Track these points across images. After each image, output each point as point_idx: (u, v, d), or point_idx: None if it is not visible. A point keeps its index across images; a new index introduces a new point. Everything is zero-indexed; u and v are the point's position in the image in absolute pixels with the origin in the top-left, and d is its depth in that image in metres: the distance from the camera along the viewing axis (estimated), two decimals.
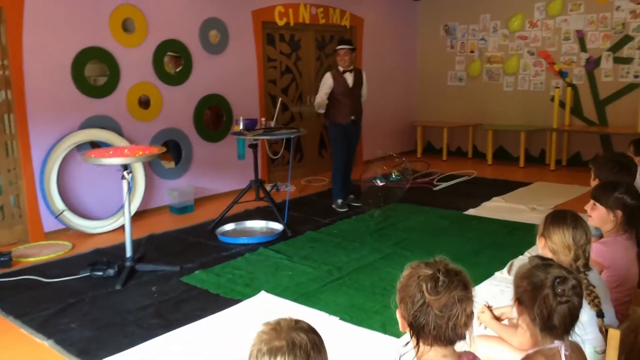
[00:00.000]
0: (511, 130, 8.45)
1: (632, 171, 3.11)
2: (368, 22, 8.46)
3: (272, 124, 5.69)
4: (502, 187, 6.81)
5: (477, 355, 1.57)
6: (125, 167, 4.13)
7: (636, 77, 7.54)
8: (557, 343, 1.59)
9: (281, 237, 5.05)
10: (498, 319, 2.30)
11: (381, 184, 6.00)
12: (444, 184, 7.09)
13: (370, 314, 3.48)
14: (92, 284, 4.07)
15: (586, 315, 1.80)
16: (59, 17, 5.11)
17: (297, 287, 3.93)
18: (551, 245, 2.14)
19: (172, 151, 6.32)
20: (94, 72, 5.86)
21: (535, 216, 5.49)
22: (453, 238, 4.97)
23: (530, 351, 1.63)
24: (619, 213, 2.55)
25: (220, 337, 3.26)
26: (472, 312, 1.48)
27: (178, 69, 6.19)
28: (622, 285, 2.39)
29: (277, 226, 5.27)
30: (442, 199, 6.35)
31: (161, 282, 4.07)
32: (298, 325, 1.34)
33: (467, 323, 1.47)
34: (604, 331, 1.96)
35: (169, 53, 6.07)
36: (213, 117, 6.84)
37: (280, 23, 7.16)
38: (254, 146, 5.50)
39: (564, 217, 2.17)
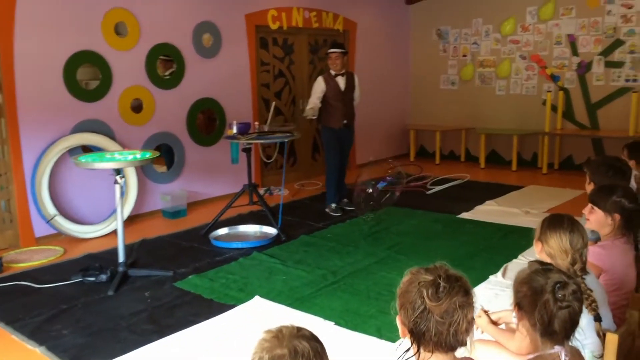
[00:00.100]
0: (503, 134, 8.48)
1: (627, 175, 3.12)
2: (361, 26, 8.47)
3: (266, 127, 5.67)
4: (495, 191, 6.82)
5: None
6: (118, 171, 4.10)
7: (627, 81, 7.60)
8: (557, 348, 1.58)
9: (275, 241, 5.03)
10: (495, 323, 2.30)
11: (373, 189, 6.00)
12: (437, 188, 7.10)
13: (365, 319, 3.47)
14: (84, 289, 4.02)
15: (584, 319, 1.79)
16: (51, 20, 5.07)
17: (292, 292, 3.91)
18: (548, 250, 2.14)
19: (164, 155, 6.29)
20: (85, 75, 5.83)
21: (528, 219, 5.51)
22: (447, 242, 4.97)
23: (531, 356, 1.62)
24: (617, 216, 2.56)
25: (214, 342, 3.23)
26: (472, 318, 1.47)
27: (168, 72, 6.16)
28: (619, 289, 2.39)
29: (271, 230, 5.25)
30: (435, 203, 6.35)
31: (154, 288, 4.04)
32: (300, 333, 1.33)
33: (468, 329, 1.46)
34: (601, 335, 1.96)
35: (160, 57, 6.04)
36: (206, 121, 6.81)
37: (274, 27, 7.15)
38: (247, 150, 5.48)
39: (561, 221, 2.16)
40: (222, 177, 6.65)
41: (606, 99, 7.79)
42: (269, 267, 4.40)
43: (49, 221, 5.07)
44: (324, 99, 5.92)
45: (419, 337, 1.48)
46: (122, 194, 4.22)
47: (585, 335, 1.86)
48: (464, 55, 8.99)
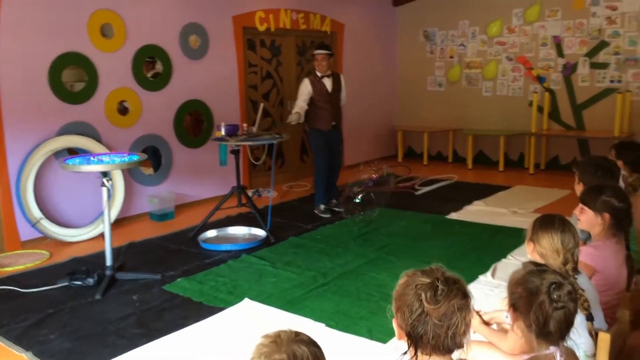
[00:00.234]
0: (491, 135, 8.53)
1: (615, 174, 3.14)
2: (348, 28, 8.47)
3: (254, 129, 5.64)
4: (482, 191, 6.86)
5: None
6: (105, 174, 4.06)
7: (612, 82, 7.67)
8: (552, 349, 1.58)
9: (264, 243, 5.01)
10: (487, 323, 2.30)
11: (362, 189, 6.00)
12: (426, 189, 7.12)
13: (356, 320, 3.46)
14: (71, 293, 3.97)
15: (577, 319, 1.79)
16: (36, 22, 5.01)
17: (282, 294, 3.89)
18: (540, 250, 2.15)
19: (151, 157, 6.24)
20: (71, 77, 5.77)
21: (516, 219, 5.55)
22: (436, 242, 4.98)
23: (525, 357, 1.62)
24: (607, 216, 2.57)
25: (204, 345, 3.20)
26: (470, 321, 1.46)
27: (150, 73, 6.11)
28: (611, 289, 2.40)
29: (260, 232, 5.22)
30: (424, 204, 6.37)
31: (142, 291, 4.00)
32: (299, 338, 1.31)
33: (466, 332, 1.45)
34: (593, 335, 1.97)
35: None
36: (193, 122, 6.77)
37: (261, 28, 7.13)
38: (235, 152, 5.45)
39: (552, 222, 2.17)
40: (210, 179, 6.61)
41: (591, 100, 7.86)
42: (258, 270, 4.38)
43: (34, 225, 5.00)
44: (311, 101, 5.89)
45: (416, 340, 1.47)
46: (109, 196, 4.18)
47: (578, 335, 1.86)
48: (451, 57, 9.03)
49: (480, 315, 2.32)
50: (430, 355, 1.46)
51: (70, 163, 4.07)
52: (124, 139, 5.77)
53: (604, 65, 7.71)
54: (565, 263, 2.09)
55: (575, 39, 7.87)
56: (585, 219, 2.62)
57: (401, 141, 9.39)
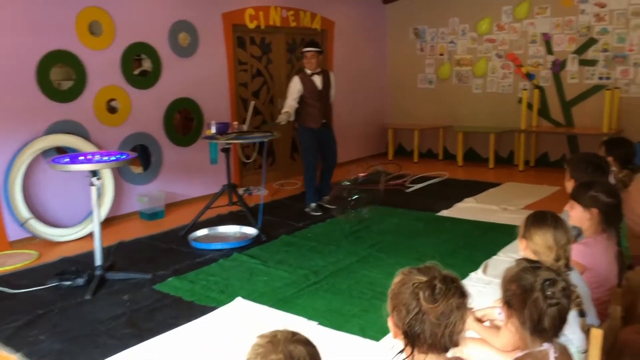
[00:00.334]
0: (481, 132, 8.56)
1: (606, 171, 3.16)
2: (339, 25, 8.46)
3: (245, 127, 5.62)
4: (473, 188, 6.88)
5: None
6: (94, 173, 4.02)
7: (600, 79, 7.72)
8: (546, 346, 1.58)
9: (255, 241, 4.99)
10: (479, 320, 2.30)
11: (353, 187, 5.99)
12: (417, 186, 7.13)
13: (348, 318, 3.46)
14: (60, 294, 3.94)
15: (569, 315, 1.79)
16: (23, 19, 4.95)
17: (274, 293, 3.88)
18: (533, 247, 2.15)
19: (140, 156, 6.19)
20: (58, 75, 5.71)
21: (507, 216, 5.57)
22: (427, 239, 4.99)
23: (520, 354, 1.62)
24: (595, 211, 2.58)
25: (196, 345, 3.18)
26: (466, 319, 1.46)
27: (137, 71, 6.05)
28: (602, 285, 2.41)
29: (251, 231, 5.20)
30: (415, 201, 6.38)
31: (133, 291, 3.97)
32: (295, 338, 1.30)
33: (463, 330, 1.45)
34: (585, 331, 1.97)
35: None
36: (183, 121, 6.73)
37: (251, 26, 7.10)
38: (226, 150, 5.43)
39: (545, 218, 2.18)
40: (201, 177, 6.58)
41: (580, 97, 7.91)
42: (250, 268, 4.36)
43: (22, 224, 4.95)
44: (301, 99, 5.87)
45: (413, 339, 1.46)
46: (99, 195, 4.14)
47: (571, 330, 1.87)
48: (441, 54, 9.05)
49: (472, 312, 2.32)
50: (426, 354, 1.46)
51: (59, 162, 4.03)
52: (113, 137, 5.72)
53: (592, 62, 7.76)
54: (558, 259, 2.09)
55: (564, 36, 7.91)
56: (575, 214, 2.64)
57: (392, 139, 9.40)
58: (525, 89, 8.20)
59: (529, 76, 8.26)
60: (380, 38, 9.43)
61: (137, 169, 6.20)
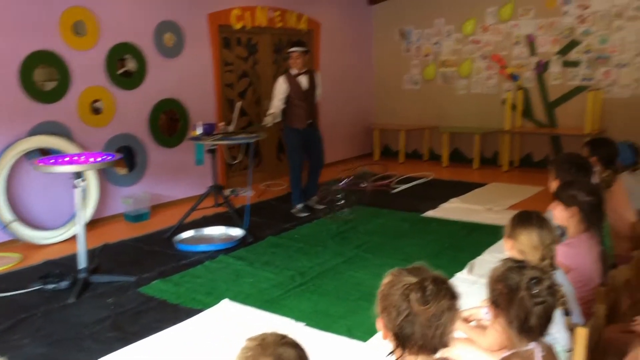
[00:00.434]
0: (466, 133, 8.61)
1: (589, 171, 3.20)
2: (325, 26, 8.46)
3: (231, 128, 5.59)
4: (458, 189, 6.92)
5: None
6: (78, 174, 3.98)
7: (583, 80, 7.81)
8: (532, 345, 1.59)
9: (242, 243, 4.97)
10: (466, 320, 2.31)
11: (339, 188, 6.01)
12: (402, 187, 7.15)
13: (335, 319, 3.46)
14: (44, 297, 3.89)
15: (555, 314, 1.81)
16: (6, 19, 4.89)
17: (260, 294, 3.87)
18: (519, 246, 2.17)
19: (125, 157, 6.13)
20: (42, 76, 5.64)
21: (492, 216, 5.60)
22: (413, 240, 5.01)
23: (506, 353, 1.63)
24: (575, 209, 2.61)
25: (182, 348, 3.16)
26: (456, 320, 1.46)
27: (121, 71, 5.99)
28: (586, 285, 2.43)
29: (237, 232, 5.18)
30: (401, 202, 6.39)
31: (117, 294, 3.93)
32: (284, 341, 1.30)
33: (453, 331, 1.44)
34: (571, 329, 1.99)
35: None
36: (169, 121, 6.69)
37: (237, 26, 7.08)
38: (212, 151, 5.40)
39: (530, 218, 2.20)
40: (186, 179, 6.54)
41: (563, 98, 7.99)
42: (236, 270, 4.34)
43: (5, 227, 4.89)
44: (287, 100, 5.85)
45: (404, 341, 1.45)
46: (83, 197, 4.10)
47: (556, 329, 1.88)
48: (427, 55, 9.09)
49: (459, 313, 2.32)
50: (417, 356, 1.45)
51: (43, 163, 3.98)
52: (98, 138, 5.67)
53: (575, 64, 7.84)
54: (543, 259, 2.11)
55: (548, 38, 7.98)
56: (557, 213, 2.67)
57: (377, 139, 9.42)
58: (509, 90, 8.26)
59: (513, 77, 8.33)
60: (366, 39, 9.45)
61: (122, 171, 6.15)
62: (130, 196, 5.87)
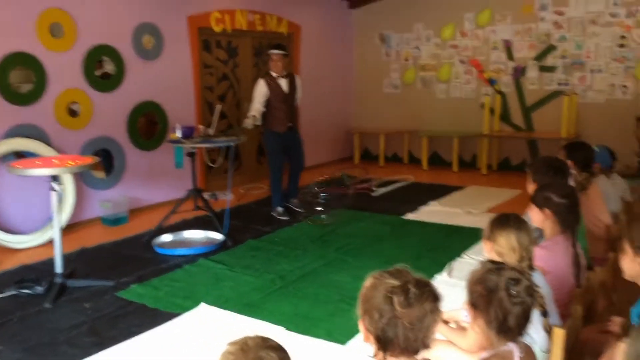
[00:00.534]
0: (445, 136, 8.68)
1: (566, 174, 3.24)
2: (305, 30, 8.47)
3: (211, 131, 5.56)
4: (438, 192, 6.97)
5: None
6: (55, 178, 3.92)
7: (559, 85, 7.94)
8: (510, 345, 1.61)
9: (221, 247, 4.94)
10: (446, 322, 2.33)
11: (320, 192, 6.01)
12: (383, 190, 7.18)
13: (315, 322, 3.45)
14: (19, 302, 3.81)
15: (532, 315, 1.83)
16: None
17: (240, 298, 3.85)
18: (497, 248, 2.19)
19: (103, 161, 6.05)
20: (17, 78, 5.54)
21: (470, 219, 5.66)
22: (394, 242, 5.03)
23: (485, 354, 1.64)
24: (548, 211, 2.65)
25: (160, 352, 3.13)
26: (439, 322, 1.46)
27: (99, 73, 5.92)
28: (563, 286, 2.46)
29: (217, 236, 5.15)
30: (381, 205, 6.42)
31: (95, 298, 3.87)
32: (267, 344, 1.28)
33: (434, 332, 1.45)
34: (548, 330, 2.02)
35: None
36: (147, 124, 6.62)
37: (217, 29, 7.05)
38: (191, 154, 5.36)
39: (508, 220, 2.23)
40: (165, 182, 6.48)
41: (540, 102, 8.11)
42: (215, 274, 4.31)
43: None
44: (267, 102, 5.84)
45: (385, 344, 1.45)
46: (59, 201, 4.04)
47: (534, 330, 1.90)
48: (406, 60, 9.15)
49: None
50: (398, 357, 1.45)
51: (19, 166, 3.91)
52: (75, 141, 5.59)
53: (551, 69, 7.96)
54: (521, 260, 2.14)
55: (525, 43, 8.10)
56: (533, 215, 2.71)
57: (358, 143, 9.45)
58: (487, 95, 8.36)
59: (491, 82, 8.43)
60: (346, 43, 9.48)
61: (100, 174, 6.07)
62: (108, 200, 5.80)
